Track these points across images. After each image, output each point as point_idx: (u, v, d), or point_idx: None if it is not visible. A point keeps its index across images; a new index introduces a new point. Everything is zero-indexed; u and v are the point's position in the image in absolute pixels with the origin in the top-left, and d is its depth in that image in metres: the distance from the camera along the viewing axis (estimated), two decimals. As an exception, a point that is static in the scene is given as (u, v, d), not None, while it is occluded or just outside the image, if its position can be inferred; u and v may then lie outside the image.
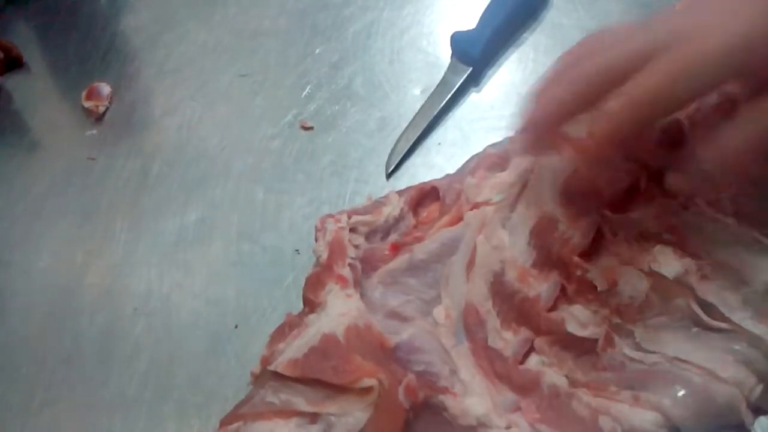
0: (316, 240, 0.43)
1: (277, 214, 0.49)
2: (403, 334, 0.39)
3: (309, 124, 0.53)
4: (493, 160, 0.44)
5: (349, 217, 0.44)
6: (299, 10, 0.60)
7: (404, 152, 0.50)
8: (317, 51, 0.57)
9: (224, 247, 0.48)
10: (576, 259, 0.39)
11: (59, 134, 0.57)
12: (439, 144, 0.50)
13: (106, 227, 0.51)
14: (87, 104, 0.58)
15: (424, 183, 0.46)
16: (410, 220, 0.45)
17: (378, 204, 0.45)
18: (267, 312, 0.45)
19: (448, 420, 0.37)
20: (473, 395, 0.38)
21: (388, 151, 0.50)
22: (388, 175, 0.49)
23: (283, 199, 0.50)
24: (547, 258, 0.40)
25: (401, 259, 0.42)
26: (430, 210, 0.46)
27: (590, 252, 0.40)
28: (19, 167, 0.56)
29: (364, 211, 0.44)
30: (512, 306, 0.40)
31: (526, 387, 0.38)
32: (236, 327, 0.45)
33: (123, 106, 0.58)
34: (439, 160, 0.49)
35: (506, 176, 0.43)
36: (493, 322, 0.40)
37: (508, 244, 0.41)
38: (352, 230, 0.43)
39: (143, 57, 0.60)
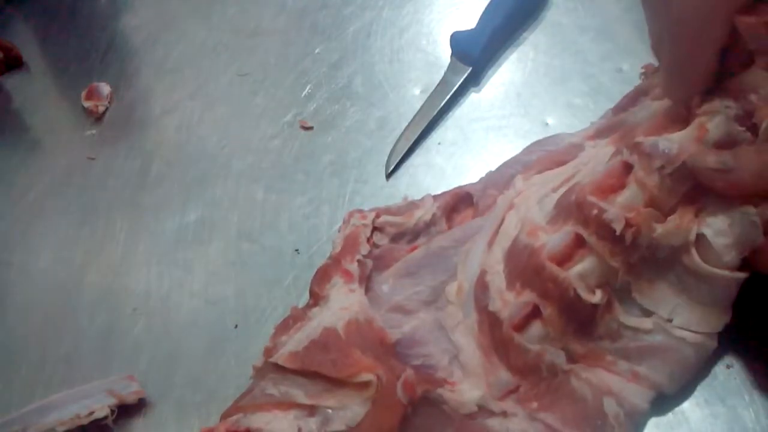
0: (339, 231, 0.43)
1: (276, 214, 0.49)
2: (405, 327, 0.39)
3: (309, 124, 0.53)
4: (552, 160, 0.42)
5: (378, 216, 0.43)
6: (299, 9, 0.60)
7: (404, 152, 0.50)
8: (317, 50, 0.57)
9: (224, 246, 0.48)
10: (590, 197, 0.35)
11: (59, 134, 0.58)
12: (439, 144, 0.50)
13: (105, 227, 0.51)
14: (86, 104, 0.58)
15: (459, 188, 0.45)
16: (442, 225, 0.44)
17: (411, 206, 0.44)
18: (267, 312, 0.45)
19: (446, 412, 0.37)
20: (471, 376, 0.37)
21: (388, 150, 0.50)
22: (388, 175, 0.49)
23: (283, 198, 0.50)
24: (562, 211, 0.37)
25: (418, 250, 0.42)
26: (463, 216, 0.45)
27: (617, 187, 0.35)
28: (19, 167, 0.56)
29: (397, 211, 0.44)
30: (519, 263, 0.37)
31: (526, 369, 0.37)
32: (236, 327, 0.45)
33: (122, 105, 0.58)
34: (439, 160, 0.49)
35: (559, 169, 0.41)
36: (498, 283, 0.38)
37: (534, 213, 0.38)
38: (379, 229, 0.43)
39: (143, 56, 0.61)
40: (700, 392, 0.36)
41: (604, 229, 0.34)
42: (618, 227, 0.34)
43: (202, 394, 0.43)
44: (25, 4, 0.66)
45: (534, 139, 0.48)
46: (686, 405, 0.36)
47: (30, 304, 0.49)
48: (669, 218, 0.34)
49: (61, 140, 0.57)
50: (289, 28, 0.59)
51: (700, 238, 0.34)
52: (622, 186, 0.35)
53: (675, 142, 0.34)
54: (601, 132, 0.43)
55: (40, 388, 0.45)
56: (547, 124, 0.49)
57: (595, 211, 0.34)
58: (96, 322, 0.47)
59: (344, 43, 0.57)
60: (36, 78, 0.62)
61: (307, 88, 0.55)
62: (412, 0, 0.58)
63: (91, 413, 0.41)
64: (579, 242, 0.35)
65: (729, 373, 0.36)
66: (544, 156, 0.44)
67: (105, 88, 0.58)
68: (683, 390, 0.36)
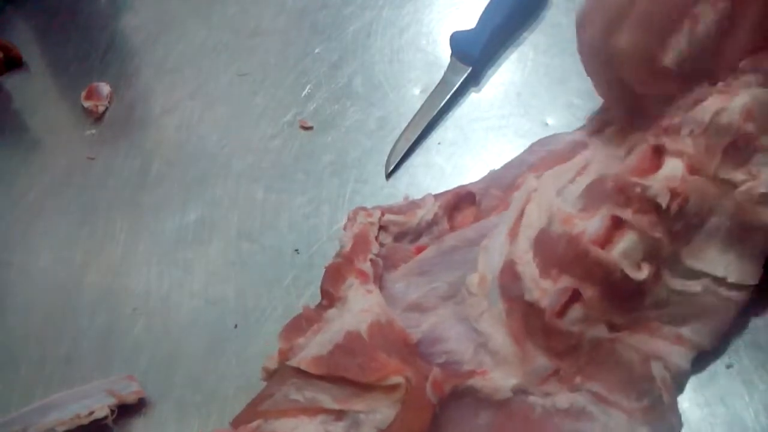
0: (345, 229, 0.43)
1: (276, 214, 0.49)
2: (423, 325, 0.39)
3: (308, 124, 0.53)
4: (557, 159, 0.43)
5: (383, 215, 0.43)
6: (299, 9, 0.60)
7: (404, 152, 0.50)
8: (317, 50, 0.57)
9: (224, 246, 0.48)
10: (632, 178, 0.35)
11: (59, 134, 0.58)
12: (439, 144, 0.50)
13: (105, 227, 0.51)
14: (86, 104, 0.58)
15: (461, 187, 0.45)
16: (444, 225, 0.44)
17: (413, 205, 0.44)
18: (266, 311, 0.45)
19: (480, 398, 0.36)
20: (503, 364, 0.37)
21: (388, 150, 0.50)
22: (388, 175, 0.49)
23: (283, 198, 0.50)
24: (596, 199, 0.37)
25: (430, 249, 0.42)
26: (465, 215, 0.45)
27: (653, 169, 0.36)
28: (19, 167, 0.56)
29: (399, 210, 0.44)
30: (554, 252, 0.37)
31: (566, 351, 0.36)
32: (236, 327, 0.45)
33: (122, 105, 0.58)
34: (439, 159, 0.49)
35: (569, 164, 0.42)
36: (530, 273, 0.37)
37: (558, 204, 0.38)
38: (383, 228, 0.43)
39: (142, 56, 0.61)
40: (700, 392, 0.36)
41: (648, 205, 0.35)
42: (663, 201, 0.34)
43: (202, 394, 0.43)
44: (25, 4, 0.66)
45: (534, 139, 0.48)
46: (686, 405, 0.36)
47: (30, 304, 0.49)
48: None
49: (61, 140, 0.57)
50: (289, 28, 0.59)
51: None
52: (656, 167, 0.36)
53: (698, 111, 0.35)
54: (599, 128, 0.44)
55: (40, 388, 0.45)
56: (547, 124, 0.49)
57: (638, 189, 0.35)
58: (96, 322, 0.47)
59: (344, 43, 0.57)
60: (36, 78, 0.62)
61: (307, 88, 0.55)
62: (412, 0, 0.58)
63: (91, 413, 0.41)
64: (616, 224, 0.36)
65: (729, 373, 0.36)
66: (548, 155, 0.44)
67: (105, 88, 0.58)
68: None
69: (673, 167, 0.35)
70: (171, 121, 0.56)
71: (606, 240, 0.35)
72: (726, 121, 0.35)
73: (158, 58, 0.60)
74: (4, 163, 0.57)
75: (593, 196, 0.38)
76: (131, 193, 0.53)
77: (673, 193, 0.34)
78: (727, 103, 0.35)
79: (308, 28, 0.58)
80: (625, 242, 0.35)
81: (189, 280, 0.48)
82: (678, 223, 0.35)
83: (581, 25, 0.41)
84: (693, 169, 0.35)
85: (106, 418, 0.42)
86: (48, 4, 0.66)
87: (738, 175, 0.35)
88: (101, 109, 0.57)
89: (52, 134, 0.58)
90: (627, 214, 0.35)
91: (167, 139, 0.55)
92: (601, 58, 0.40)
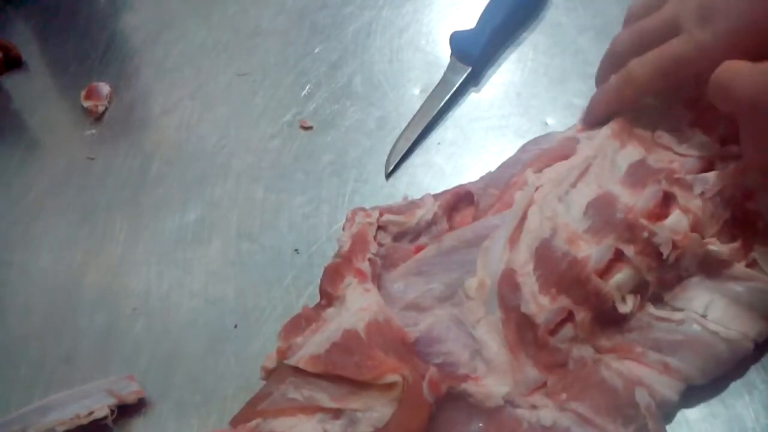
0: (343, 229, 0.43)
1: (276, 214, 0.49)
2: (421, 325, 0.39)
3: (308, 124, 0.53)
4: (551, 156, 0.44)
5: (381, 215, 0.43)
6: (298, 9, 0.60)
7: (404, 152, 0.50)
8: (316, 50, 0.57)
9: (223, 246, 0.49)
10: (642, 221, 0.37)
11: (58, 134, 0.58)
12: (439, 143, 0.50)
13: (105, 227, 0.51)
14: (86, 104, 0.58)
15: (460, 187, 0.45)
16: (443, 224, 0.44)
17: (412, 205, 0.44)
18: (266, 311, 0.45)
19: (472, 404, 0.36)
20: (496, 372, 0.37)
21: (388, 150, 0.50)
22: (388, 175, 0.49)
23: (283, 198, 0.50)
24: (603, 224, 0.38)
25: (429, 249, 0.42)
26: (464, 215, 0.45)
27: (660, 215, 0.38)
28: (19, 167, 0.56)
29: (398, 210, 0.44)
30: (556, 269, 0.38)
31: (553, 365, 0.37)
32: (235, 326, 0.45)
33: (122, 105, 0.58)
34: (439, 159, 0.49)
35: (568, 162, 0.42)
36: (530, 285, 0.38)
37: (561, 214, 0.39)
38: (382, 228, 0.43)
39: (142, 56, 0.61)
40: (700, 392, 0.36)
41: (650, 249, 0.37)
42: (665, 251, 0.36)
43: (201, 394, 0.43)
44: (25, 4, 0.66)
45: (534, 139, 0.48)
46: (686, 405, 0.36)
47: (30, 304, 0.49)
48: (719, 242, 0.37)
49: (60, 140, 0.57)
50: (289, 28, 0.59)
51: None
52: (665, 213, 0.38)
53: (711, 177, 0.38)
54: (592, 126, 0.44)
55: (40, 388, 0.45)
56: (546, 124, 0.49)
57: (645, 234, 0.37)
58: (96, 322, 0.47)
59: (344, 43, 0.57)
60: (36, 78, 0.62)
61: (307, 87, 0.55)
62: (412, 0, 0.58)
63: (91, 413, 0.41)
64: (618, 256, 0.37)
65: (729, 373, 0.36)
66: (542, 153, 0.44)
67: (105, 88, 0.58)
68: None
69: (678, 220, 0.37)
70: (171, 121, 0.56)
71: (606, 271, 0.37)
72: (729, 195, 0.38)
73: (158, 58, 0.60)
74: (4, 163, 0.57)
75: (599, 217, 0.39)
76: (131, 193, 0.53)
77: (674, 245, 0.37)
78: (737, 179, 0.38)
79: (308, 28, 0.58)
80: (622, 276, 0.37)
81: (189, 280, 0.48)
82: (670, 273, 0.37)
83: (627, 20, 0.44)
84: (694, 228, 0.37)
85: (105, 418, 0.42)
86: (48, 4, 0.66)
87: (724, 249, 0.37)
88: (101, 109, 0.57)
89: (51, 134, 0.58)
90: (630, 251, 0.37)
91: (167, 139, 0.55)
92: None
